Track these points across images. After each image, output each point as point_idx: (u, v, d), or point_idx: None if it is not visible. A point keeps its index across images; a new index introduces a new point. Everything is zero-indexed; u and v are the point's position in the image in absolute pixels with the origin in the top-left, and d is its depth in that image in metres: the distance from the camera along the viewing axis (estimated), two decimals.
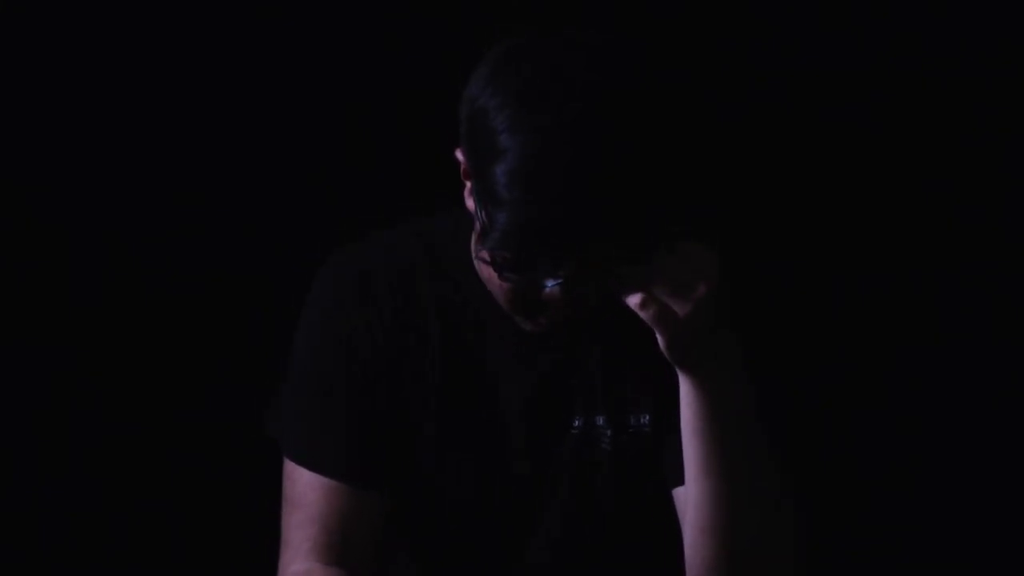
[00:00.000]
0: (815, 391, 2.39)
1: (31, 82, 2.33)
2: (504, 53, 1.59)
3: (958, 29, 2.38)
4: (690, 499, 1.67)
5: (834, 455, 2.41)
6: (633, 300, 1.56)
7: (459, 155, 1.61)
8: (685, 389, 1.64)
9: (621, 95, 1.55)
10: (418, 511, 1.78)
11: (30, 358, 2.38)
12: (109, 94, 2.35)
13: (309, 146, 2.40)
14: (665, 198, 1.57)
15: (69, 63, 2.34)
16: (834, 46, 2.39)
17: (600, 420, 1.76)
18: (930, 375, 2.45)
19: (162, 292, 2.40)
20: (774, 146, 2.43)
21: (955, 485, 2.46)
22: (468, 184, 1.62)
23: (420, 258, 1.78)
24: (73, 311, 2.38)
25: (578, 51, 1.57)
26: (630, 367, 1.75)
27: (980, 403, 2.46)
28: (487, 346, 1.76)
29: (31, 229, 2.36)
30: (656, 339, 1.59)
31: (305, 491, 1.74)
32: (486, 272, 1.67)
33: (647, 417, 1.76)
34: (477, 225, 1.62)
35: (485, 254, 1.59)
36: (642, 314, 1.56)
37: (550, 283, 1.60)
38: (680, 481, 1.71)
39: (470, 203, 1.62)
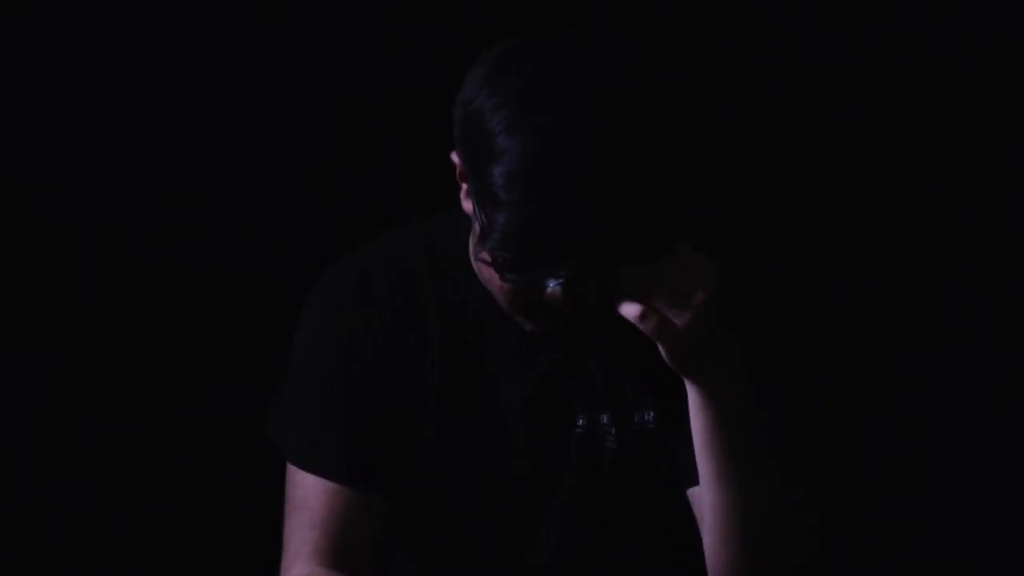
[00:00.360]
0: (816, 391, 2.39)
1: (31, 82, 2.33)
2: (501, 54, 1.59)
3: (958, 29, 2.38)
4: (707, 505, 1.67)
5: (835, 455, 2.40)
6: (632, 313, 1.56)
7: (454, 157, 1.61)
8: (693, 398, 1.63)
9: (621, 95, 1.55)
10: (418, 511, 1.78)
11: (30, 358, 2.38)
12: (109, 94, 2.35)
13: (309, 146, 2.40)
14: (665, 198, 1.57)
15: (69, 63, 2.33)
16: (834, 46, 2.39)
17: (604, 418, 1.76)
18: (930, 375, 2.45)
19: (162, 292, 2.40)
20: (774, 146, 2.43)
21: (955, 485, 2.46)
22: (464, 186, 1.62)
23: (420, 258, 1.78)
24: (73, 311, 2.38)
25: (578, 51, 1.57)
26: (632, 365, 1.74)
27: (980, 403, 2.46)
28: (487, 346, 1.76)
29: (31, 229, 2.36)
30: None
31: (306, 494, 1.74)
32: (486, 272, 1.67)
33: (651, 414, 1.76)
34: (475, 226, 1.61)
35: (485, 255, 1.59)
36: (642, 327, 1.56)
37: (551, 283, 1.60)
38: (694, 481, 1.70)
39: (467, 205, 1.62)
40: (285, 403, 1.79)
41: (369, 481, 1.73)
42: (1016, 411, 2.45)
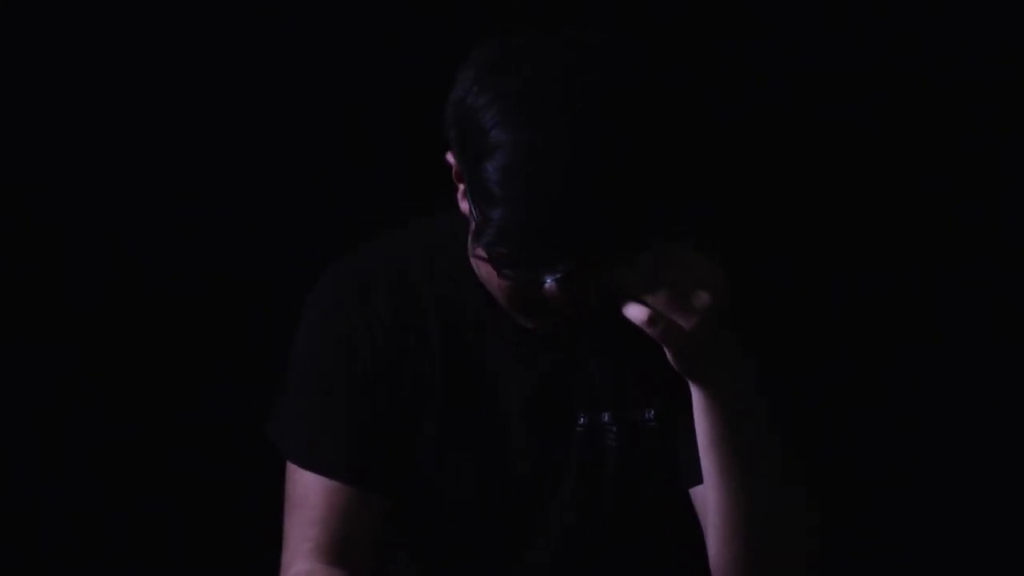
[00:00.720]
0: (816, 391, 2.39)
1: (31, 82, 2.33)
2: (495, 52, 1.58)
3: (958, 29, 2.38)
4: (711, 504, 1.67)
5: (835, 455, 2.40)
6: (639, 317, 1.55)
7: (449, 158, 1.61)
8: (697, 399, 1.63)
9: (619, 94, 1.55)
10: (419, 511, 1.78)
11: (30, 358, 2.38)
12: (109, 94, 2.35)
13: (309, 146, 2.40)
14: (662, 196, 1.57)
15: (69, 63, 2.33)
16: (834, 46, 2.39)
17: (606, 417, 1.76)
18: (930, 375, 2.45)
19: (162, 292, 2.40)
20: (774, 146, 2.43)
21: (955, 485, 2.46)
22: (461, 187, 1.62)
23: (419, 258, 1.78)
24: (73, 311, 2.38)
25: (575, 49, 1.57)
26: (632, 363, 1.74)
27: (980, 403, 2.46)
28: (487, 346, 1.76)
29: (31, 229, 2.36)
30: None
31: (306, 492, 1.74)
32: (484, 271, 1.67)
33: (652, 412, 1.76)
34: (472, 225, 1.61)
35: (481, 251, 1.59)
36: (649, 331, 1.56)
37: (548, 280, 1.60)
38: (697, 480, 1.71)
39: (464, 206, 1.62)
40: (285, 402, 1.79)
41: (368, 479, 1.73)
42: (1016, 411, 2.45)
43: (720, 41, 2.39)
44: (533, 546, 1.78)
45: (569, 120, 1.52)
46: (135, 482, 2.42)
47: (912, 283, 2.45)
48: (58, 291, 2.38)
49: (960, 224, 2.43)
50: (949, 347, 2.45)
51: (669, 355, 1.58)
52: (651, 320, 1.55)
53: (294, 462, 1.76)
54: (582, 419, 1.76)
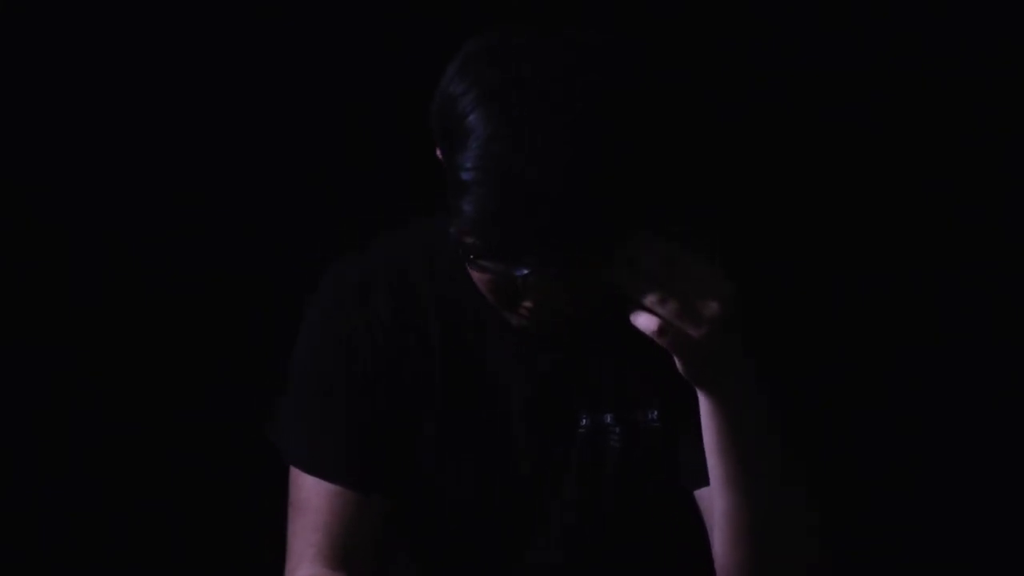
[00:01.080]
0: (816, 391, 2.39)
1: (31, 82, 2.33)
2: (479, 47, 1.58)
3: (958, 29, 2.38)
4: (717, 508, 1.67)
5: (836, 455, 2.40)
6: (649, 327, 1.54)
7: (439, 153, 1.62)
8: (705, 404, 1.62)
9: (594, 85, 1.54)
10: (419, 511, 1.78)
11: (30, 358, 2.38)
12: (109, 94, 2.35)
13: (309, 146, 2.40)
14: (635, 192, 1.56)
15: (69, 63, 2.33)
16: (834, 46, 2.39)
17: (608, 418, 1.76)
18: (930, 375, 2.45)
19: (162, 292, 2.40)
20: (773, 146, 2.43)
21: (955, 485, 2.46)
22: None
23: (419, 259, 1.78)
24: (73, 311, 2.38)
25: (554, 43, 1.56)
26: (634, 363, 1.74)
27: (980, 403, 2.46)
28: (487, 346, 1.76)
29: (31, 229, 2.36)
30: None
31: (308, 496, 1.74)
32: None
33: (655, 413, 1.76)
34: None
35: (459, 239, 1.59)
36: (660, 341, 1.55)
37: (520, 273, 1.59)
38: (702, 482, 1.71)
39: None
40: (286, 405, 1.79)
41: (370, 482, 1.73)
42: (1016, 411, 2.45)
43: (720, 41, 2.39)
44: (534, 546, 1.78)
45: (539, 109, 1.52)
46: (135, 482, 2.42)
47: (912, 283, 2.45)
48: (58, 291, 2.38)
49: (960, 224, 2.43)
50: (949, 347, 2.45)
51: (678, 363, 1.58)
52: (661, 330, 1.54)
53: (296, 466, 1.76)
54: (584, 420, 1.76)
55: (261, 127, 2.39)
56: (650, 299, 1.53)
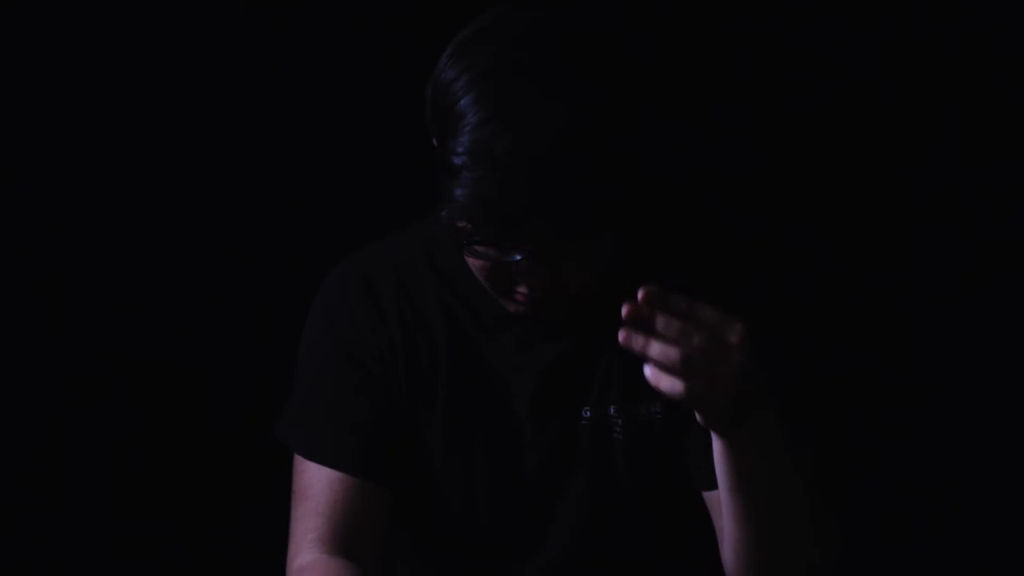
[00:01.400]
0: (816, 391, 2.39)
1: (31, 82, 2.33)
2: (473, 32, 1.60)
3: (958, 29, 2.38)
4: (727, 535, 1.66)
5: (835, 454, 2.40)
6: (674, 390, 1.47)
7: (434, 142, 1.62)
8: (719, 449, 1.58)
9: (583, 70, 1.55)
10: (426, 505, 1.79)
11: (30, 358, 2.38)
12: (109, 94, 2.35)
13: (310, 147, 2.40)
14: (616, 177, 1.56)
15: (69, 63, 2.33)
16: (834, 46, 2.39)
17: (611, 410, 1.76)
18: (930, 375, 2.45)
19: (163, 292, 2.40)
20: (773, 146, 2.43)
21: (955, 485, 2.46)
22: None
23: (422, 256, 1.79)
24: (73, 311, 2.38)
25: (554, 30, 1.58)
26: (636, 357, 1.74)
27: (980, 403, 2.46)
28: (490, 341, 1.77)
29: (31, 229, 2.36)
30: None
31: (311, 483, 1.75)
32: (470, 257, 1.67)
33: (658, 405, 1.76)
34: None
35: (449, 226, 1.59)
36: (684, 403, 1.48)
37: (514, 259, 1.59)
38: (710, 485, 1.70)
39: None
40: (291, 397, 1.80)
41: (371, 470, 1.74)
42: (1016, 411, 2.45)
43: (720, 41, 2.39)
44: (542, 538, 1.78)
45: (529, 93, 1.53)
46: (135, 482, 2.42)
47: (912, 283, 2.44)
48: (58, 291, 2.38)
49: (960, 224, 2.43)
50: (949, 347, 2.45)
51: (701, 418, 1.53)
52: (688, 393, 1.46)
53: (298, 452, 1.77)
54: (587, 412, 1.76)
55: (262, 128, 2.39)
56: (670, 359, 1.46)
